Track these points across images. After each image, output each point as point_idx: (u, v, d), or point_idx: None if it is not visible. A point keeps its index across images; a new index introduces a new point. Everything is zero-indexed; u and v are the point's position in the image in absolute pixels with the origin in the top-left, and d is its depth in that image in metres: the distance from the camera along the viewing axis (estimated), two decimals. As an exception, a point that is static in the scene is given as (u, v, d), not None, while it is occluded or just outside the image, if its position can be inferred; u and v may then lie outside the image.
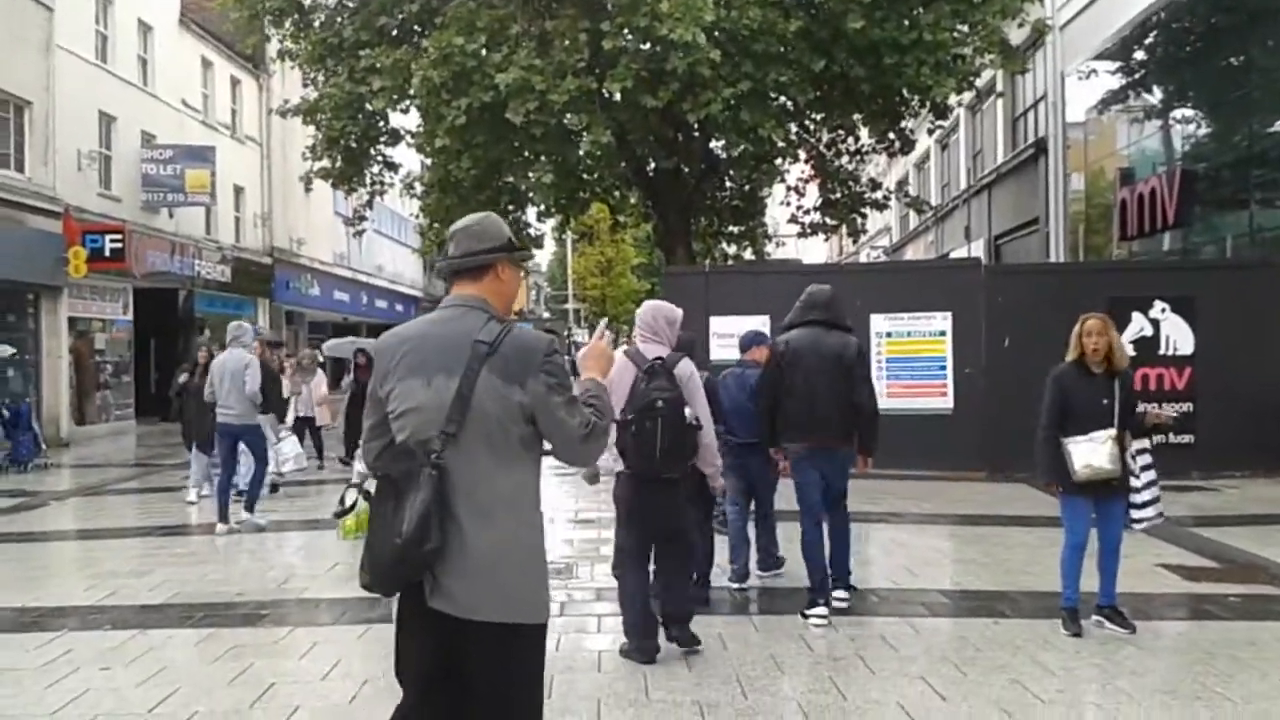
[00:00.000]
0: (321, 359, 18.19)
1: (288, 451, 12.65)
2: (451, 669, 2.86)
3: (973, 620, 6.26)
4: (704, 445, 5.60)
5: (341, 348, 20.52)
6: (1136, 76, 19.34)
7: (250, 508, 10.49)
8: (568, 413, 2.88)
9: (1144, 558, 7.98)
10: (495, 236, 3.07)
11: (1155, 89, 18.73)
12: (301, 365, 16.00)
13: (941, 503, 11.24)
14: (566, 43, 16.31)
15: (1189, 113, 17.55)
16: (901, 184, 27.76)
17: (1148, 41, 18.68)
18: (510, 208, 21.62)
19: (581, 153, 18.33)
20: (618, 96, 17.45)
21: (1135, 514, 6.11)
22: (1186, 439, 12.90)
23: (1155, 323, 13.08)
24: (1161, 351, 13.05)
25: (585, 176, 21.40)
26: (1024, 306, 13.31)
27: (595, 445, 2.96)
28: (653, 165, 19.65)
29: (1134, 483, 6.09)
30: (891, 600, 6.76)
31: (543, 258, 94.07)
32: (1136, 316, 13.10)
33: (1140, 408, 6.38)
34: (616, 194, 23.55)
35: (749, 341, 7.74)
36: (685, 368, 5.65)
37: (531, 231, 25.26)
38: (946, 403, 13.69)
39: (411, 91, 17.47)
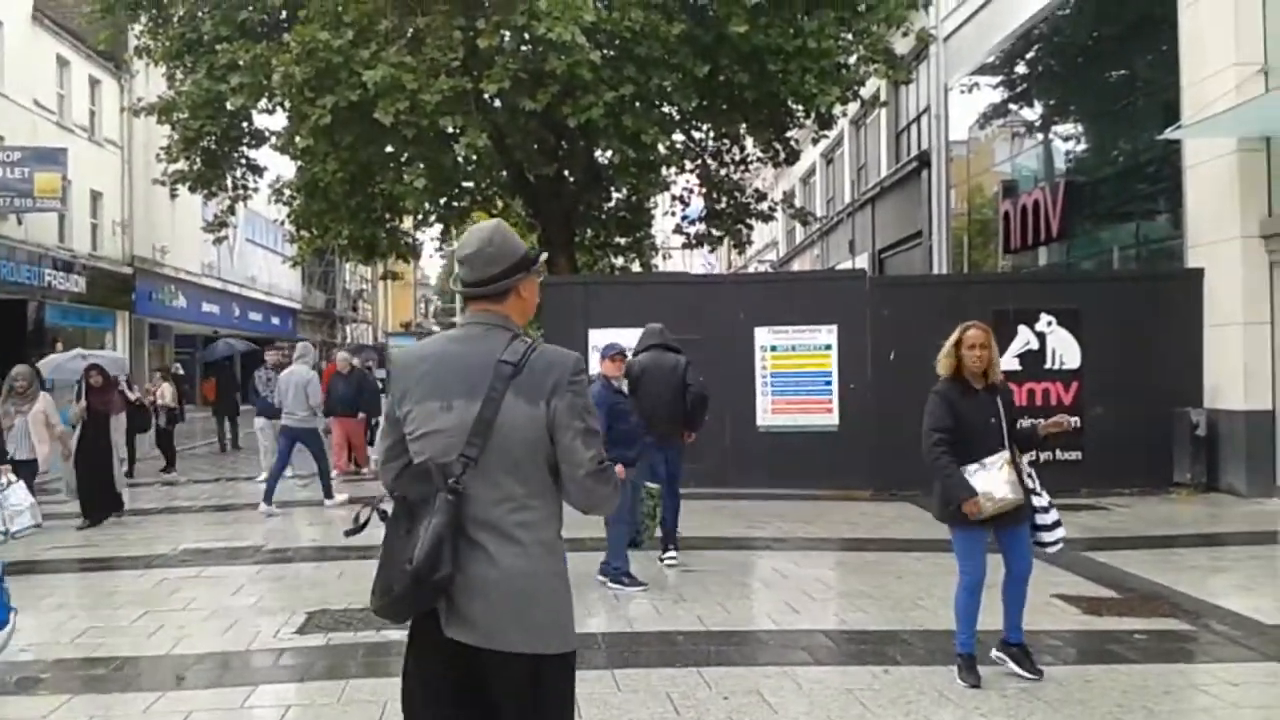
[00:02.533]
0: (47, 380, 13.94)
1: (16, 503, 9.48)
2: (471, 700, 2.74)
3: (860, 669, 5.64)
4: None
5: (63, 366, 16.03)
6: (1018, 90, 19.37)
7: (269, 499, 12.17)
8: (583, 441, 2.73)
9: (1040, 588, 7.45)
10: (512, 255, 2.89)
11: (1037, 102, 18.76)
12: (15, 389, 11.22)
13: (827, 525, 10.73)
14: (439, 41, 15.50)
15: (1072, 125, 17.56)
16: (788, 196, 27.54)
17: (1029, 55, 18.70)
18: (387, 215, 20.75)
19: (458, 157, 17.50)
20: (495, 99, 16.76)
21: (1044, 536, 5.53)
22: (1074, 455, 12.68)
23: (1041, 336, 12.84)
24: (1048, 365, 12.81)
25: (462, 182, 20.63)
26: (910, 319, 12.95)
27: (603, 486, 2.78)
28: (533, 172, 18.96)
29: (1036, 502, 5.52)
30: (772, 645, 6.11)
31: (431, 270, 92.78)
32: (1023, 329, 12.85)
33: (1025, 422, 5.95)
34: (499, 202, 22.83)
35: (605, 353, 8.25)
36: None
37: (409, 240, 24.35)
38: (832, 419, 13.26)
39: (273, 89, 16.48)
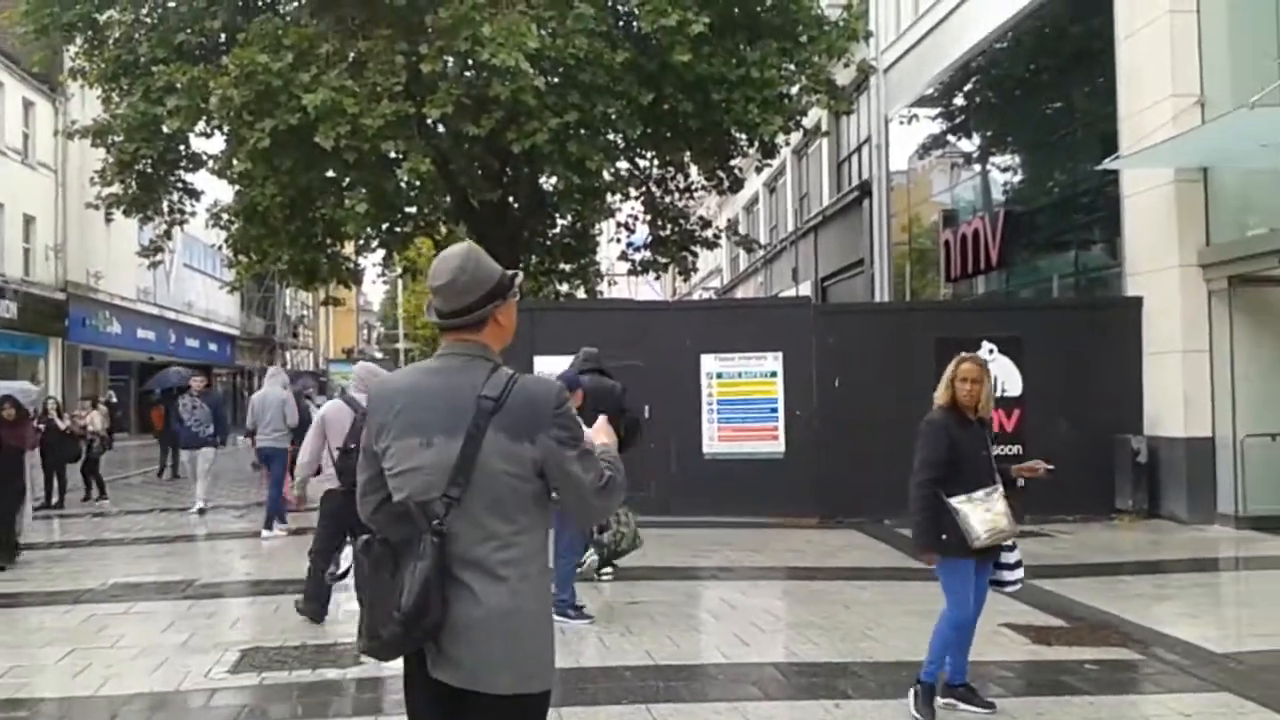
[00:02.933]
0: None
1: None
2: None
3: (812, 704, 5.54)
4: None
5: None
6: (958, 121, 19.63)
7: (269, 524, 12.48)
8: (582, 467, 2.72)
9: (988, 617, 7.40)
10: (486, 281, 2.80)
11: (976, 132, 19.02)
12: None
13: (774, 554, 10.64)
14: (382, 65, 15.34)
15: (1010, 156, 17.81)
16: (732, 224, 27.68)
17: (968, 87, 18.97)
18: (328, 240, 20.48)
19: (400, 182, 17.32)
20: (438, 124, 16.62)
21: (1005, 575, 5.44)
22: (1018, 482, 12.70)
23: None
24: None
25: (405, 207, 20.43)
26: (854, 347, 13.04)
27: (611, 500, 2.82)
28: (478, 198, 18.82)
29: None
30: (722, 680, 5.98)
31: (374, 296, 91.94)
32: (965, 358, 12.87)
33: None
34: (442, 228, 22.64)
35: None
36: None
37: (351, 266, 24.05)
38: (778, 446, 13.22)
39: (211, 112, 16.20)
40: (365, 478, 2.85)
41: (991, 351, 12.87)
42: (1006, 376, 12.88)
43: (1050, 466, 5.70)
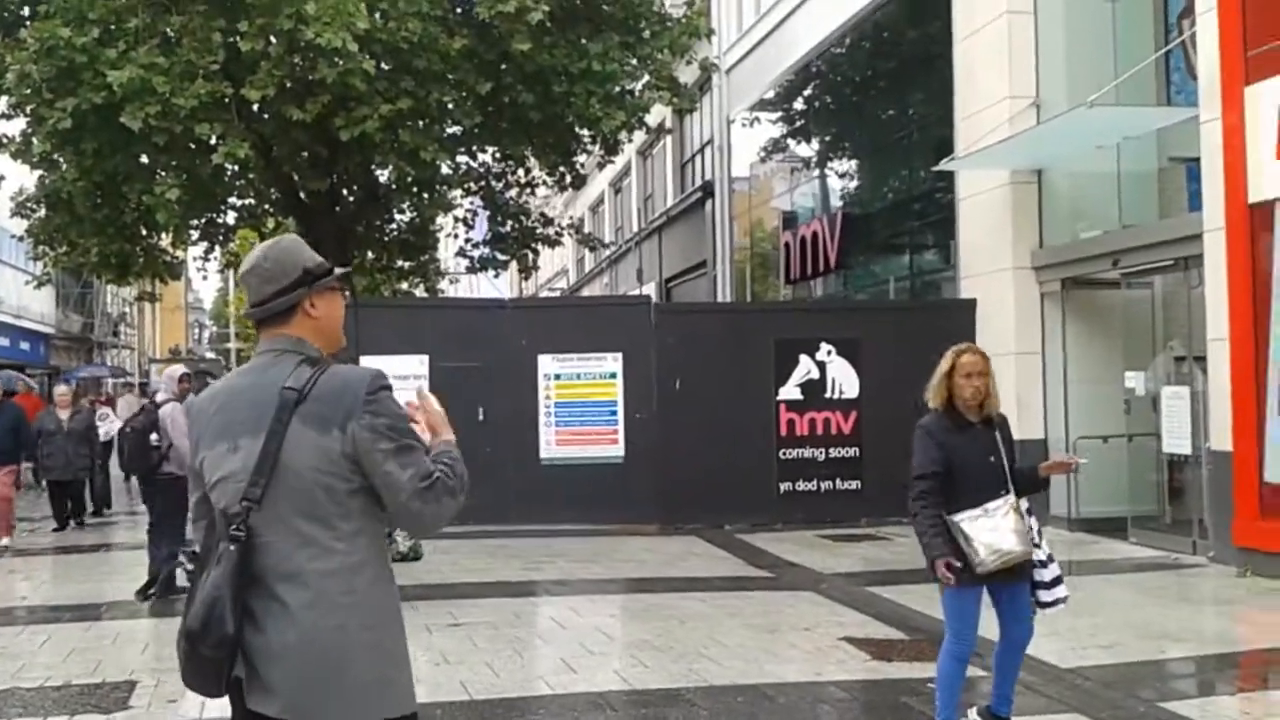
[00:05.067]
0: None
1: None
2: None
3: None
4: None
5: None
6: (797, 123, 19.68)
7: None
8: (398, 463, 2.40)
9: (826, 629, 7.20)
10: (290, 269, 2.58)
11: (815, 135, 19.08)
12: None
13: (612, 564, 10.20)
14: (196, 42, 14.30)
15: (849, 158, 17.89)
16: (575, 223, 27.25)
17: (807, 90, 19.01)
18: (143, 230, 19.13)
19: (216, 168, 16.22)
20: (260, 107, 15.64)
21: (1044, 595, 4.82)
22: (854, 484, 12.69)
23: (822, 365, 12.79)
24: (828, 395, 12.77)
25: (228, 197, 19.25)
26: (694, 347, 12.73)
27: (440, 505, 2.45)
28: (305, 188, 17.84)
29: (1038, 555, 4.77)
30: (546, 717, 5.43)
31: (207, 294, 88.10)
32: (803, 359, 12.78)
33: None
34: (270, 221, 21.49)
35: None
36: (166, 409, 8.60)
37: (168, 259, 22.60)
38: (618, 450, 12.79)
39: (6, 88, 14.89)
40: (195, 499, 2.62)
41: (830, 352, 12.77)
42: (844, 378, 12.78)
43: (1084, 460, 5.17)
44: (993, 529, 4.52)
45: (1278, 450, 8.69)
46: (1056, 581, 4.80)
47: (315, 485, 2.41)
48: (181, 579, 7.53)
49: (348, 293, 2.69)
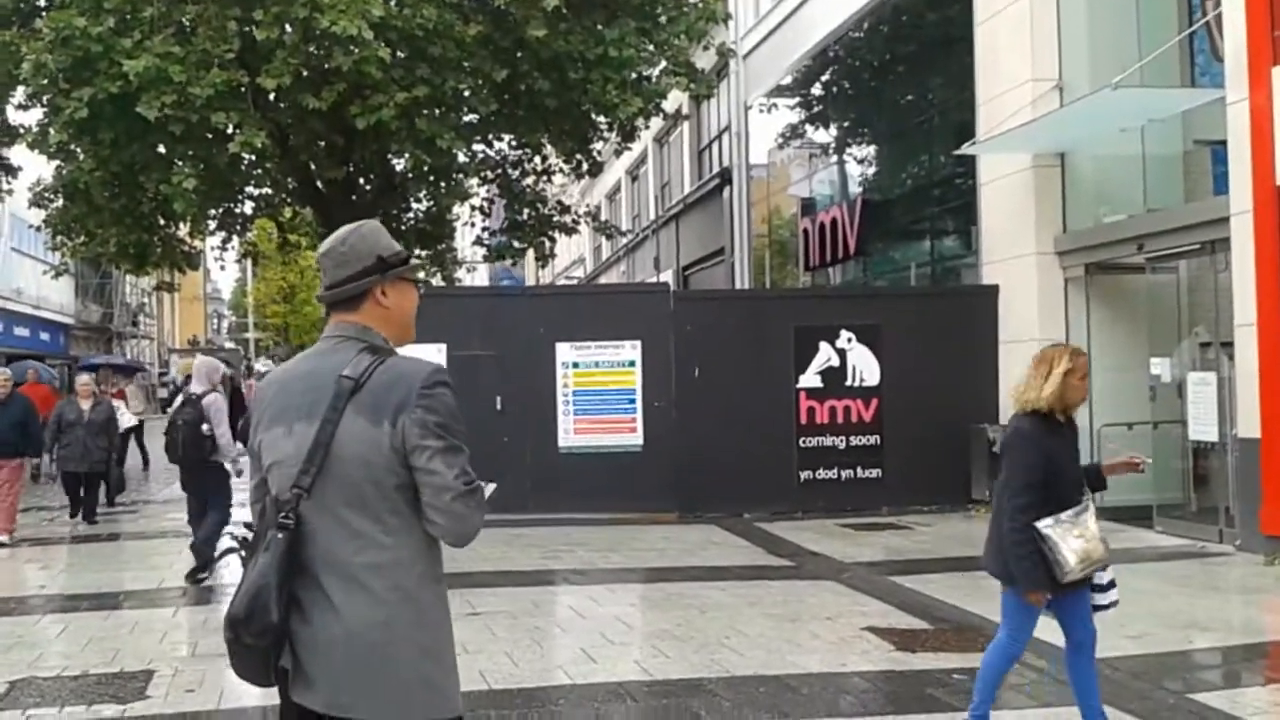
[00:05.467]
0: None
1: None
2: None
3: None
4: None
5: None
6: (816, 109, 19.52)
7: None
8: (444, 461, 2.35)
9: (849, 619, 7.11)
10: (364, 255, 2.54)
11: (834, 120, 18.92)
12: None
13: (631, 553, 10.12)
14: (212, 31, 14.27)
15: (868, 144, 17.73)
16: (592, 211, 27.19)
17: (825, 76, 18.85)
18: (160, 220, 19.14)
19: (233, 157, 16.19)
20: (276, 96, 15.60)
21: (1099, 598, 4.67)
22: (875, 473, 12.58)
23: (842, 353, 12.67)
24: (848, 382, 12.65)
25: (245, 187, 19.26)
26: (713, 335, 12.63)
27: (478, 512, 2.41)
28: (322, 177, 17.82)
29: None
30: (565, 707, 5.37)
31: (225, 284, 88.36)
32: (824, 346, 12.66)
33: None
34: (287, 210, 21.50)
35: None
36: (210, 399, 8.85)
37: (186, 249, 22.62)
38: (637, 439, 12.71)
39: (22, 79, 14.88)
40: (254, 483, 2.59)
41: (850, 340, 12.66)
42: (864, 365, 12.67)
43: (1148, 459, 4.96)
44: (1081, 536, 4.36)
45: (1308, 437, 8.55)
46: (1111, 584, 4.68)
47: (365, 478, 2.37)
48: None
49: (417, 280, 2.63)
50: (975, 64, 12.76)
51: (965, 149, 12.33)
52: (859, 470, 12.60)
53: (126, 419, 16.88)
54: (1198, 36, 10.79)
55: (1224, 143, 9.52)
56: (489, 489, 2.58)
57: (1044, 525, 4.33)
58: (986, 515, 11.57)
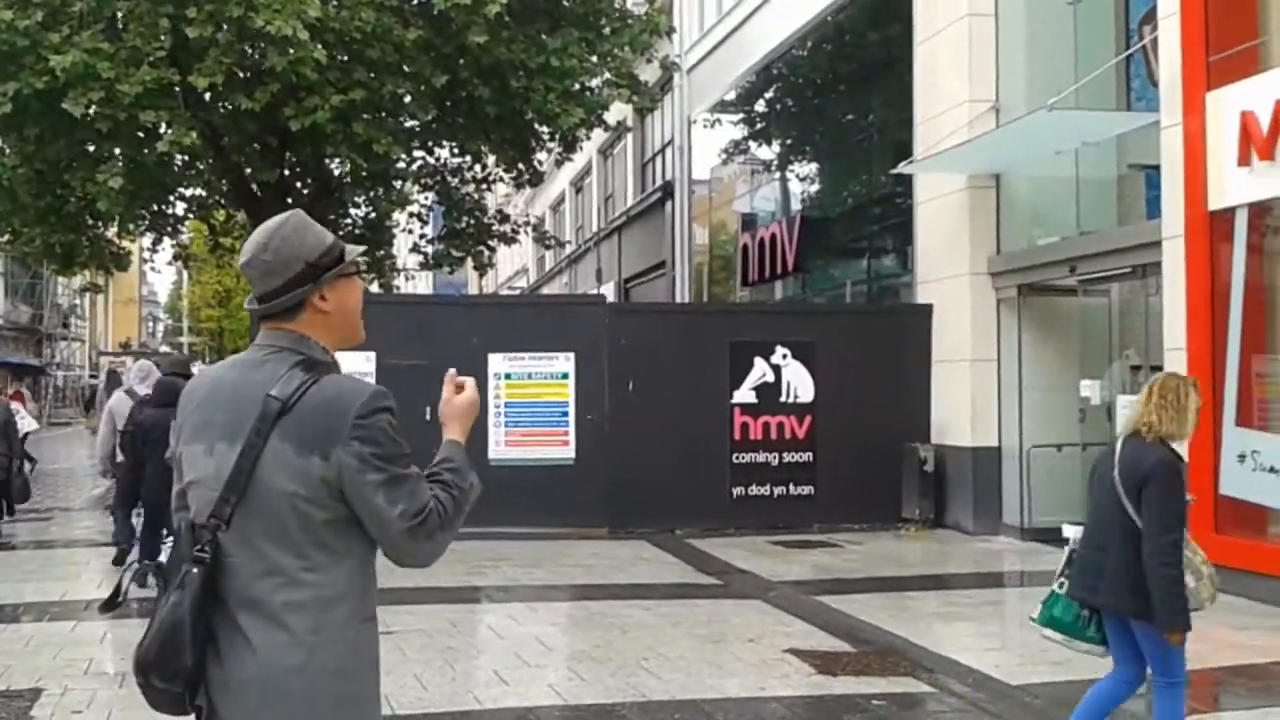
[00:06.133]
0: None
1: None
2: None
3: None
4: None
5: None
6: (758, 125, 19.54)
7: None
8: (387, 497, 2.14)
9: (771, 640, 6.98)
10: (295, 261, 2.26)
11: (777, 136, 18.94)
12: None
13: (557, 570, 9.94)
14: (143, 28, 13.94)
15: (809, 161, 17.76)
16: (532, 220, 27.01)
17: (768, 92, 18.87)
18: (89, 220, 18.68)
19: (163, 156, 15.83)
20: (209, 95, 15.29)
21: None
22: (807, 490, 12.50)
23: (777, 369, 12.60)
24: (783, 399, 12.57)
25: (177, 188, 18.85)
26: (648, 348, 12.49)
27: (428, 542, 2.20)
28: (256, 179, 17.48)
29: None
30: (471, 731, 5.20)
31: (162, 287, 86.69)
32: (759, 362, 12.57)
33: None
34: (219, 212, 21.10)
35: None
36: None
37: (115, 250, 22.09)
38: (568, 452, 12.51)
39: (-55, 74, 14.45)
40: (175, 492, 2.36)
41: (785, 356, 12.60)
42: (799, 381, 12.61)
43: (1193, 499, 4.80)
44: (1204, 564, 4.33)
45: (1234, 463, 8.59)
46: None
47: (289, 510, 2.16)
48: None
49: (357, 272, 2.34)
50: (914, 83, 12.79)
51: (902, 168, 12.34)
52: (791, 487, 12.52)
53: (27, 423, 16.38)
54: (1134, 61, 10.87)
55: (1157, 167, 9.58)
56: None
57: (1196, 557, 4.29)
58: (917, 535, 11.67)
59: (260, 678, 2.14)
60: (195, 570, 2.15)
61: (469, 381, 2.45)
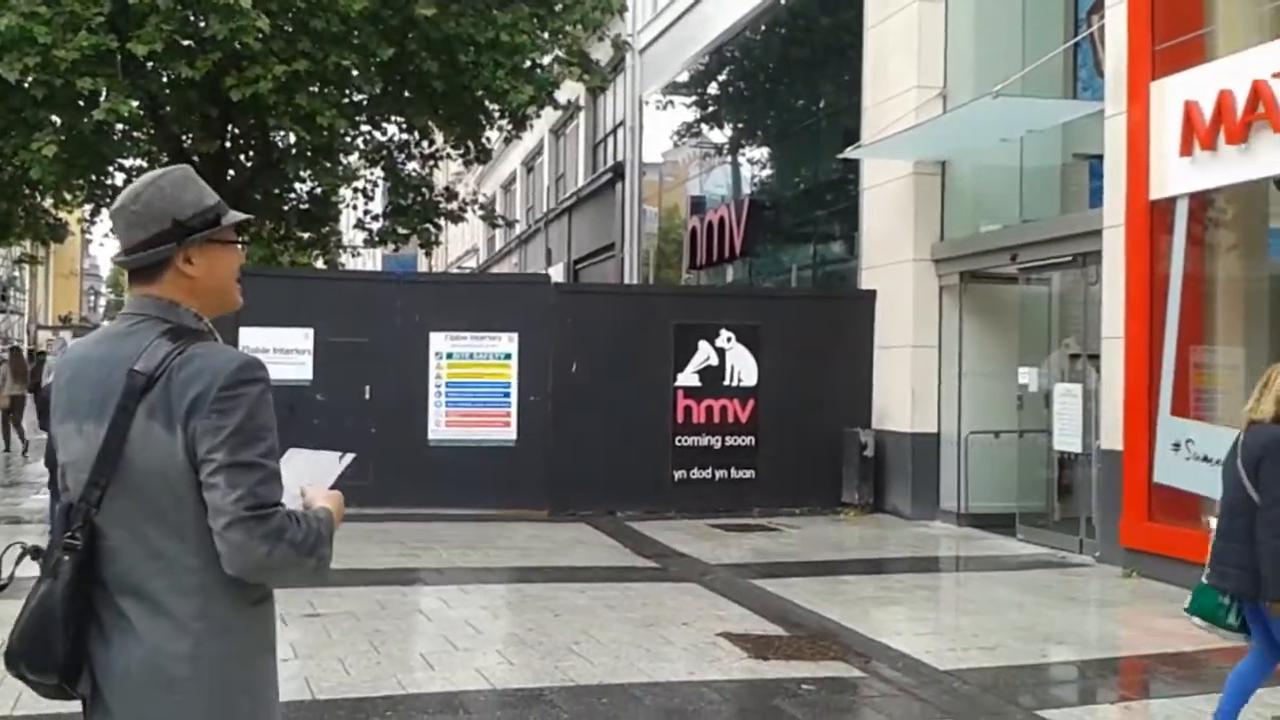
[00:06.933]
0: None
1: None
2: None
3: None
4: None
5: None
6: (709, 108, 19.45)
7: None
8: (227, 479, 1.96)
9: (705, 624, 6.93)
10: (159, 217, 2.11)
11: (728, 119, 18.86)
12: None
13: (494, 552, 9.82)
14: (81, -7, 13.55)
15: (759, 145, 17.70)
16: (479, 199, 26.72)
17: (721, 75, 18.78)
18: (25, 190, 18.22)
19: (101, 125, 15.41)
20: (149, 63, 14.91)
21: None
22: (748, 474, 12.49)
23: (721, 352, 12.56)
24: (726, 382, 12.54)
25: (116, 158, 18.41)
26: (593, 329, 12.40)
27: (266, 547, 1.98)
28: (196, 150, 17.09)
29: None
30: (394, 719, 5.06)
31: (103, 259, 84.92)
32: (703, 345, 12.52)
33: None
34: (159, 183, 20.60)
35: None
36: None
37: (51, 220, 21.57)
38: (510, 433, 12.39)
39: None
40: (54, 475, 2.23)
41: (730, 339, 12.55)
42: (743, 365, 12.58)
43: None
44: None
45: (1168, 451, 8.67)
46: None
47: (162, 490, 2.02)
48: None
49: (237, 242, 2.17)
50: (864, 69, 12.76)
51: (849, 153, 12.32)
52: (733, 471, 12.51)
53: None
54: (1081, 50, 10.91)
55: (1101, 157, 9.61)
56: (345, 460, 2.31)
57: None
58: (855, 519, 11.70)
59: (145, 665, 2.03)
60: (67, 558, 2.02)
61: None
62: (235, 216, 2.22)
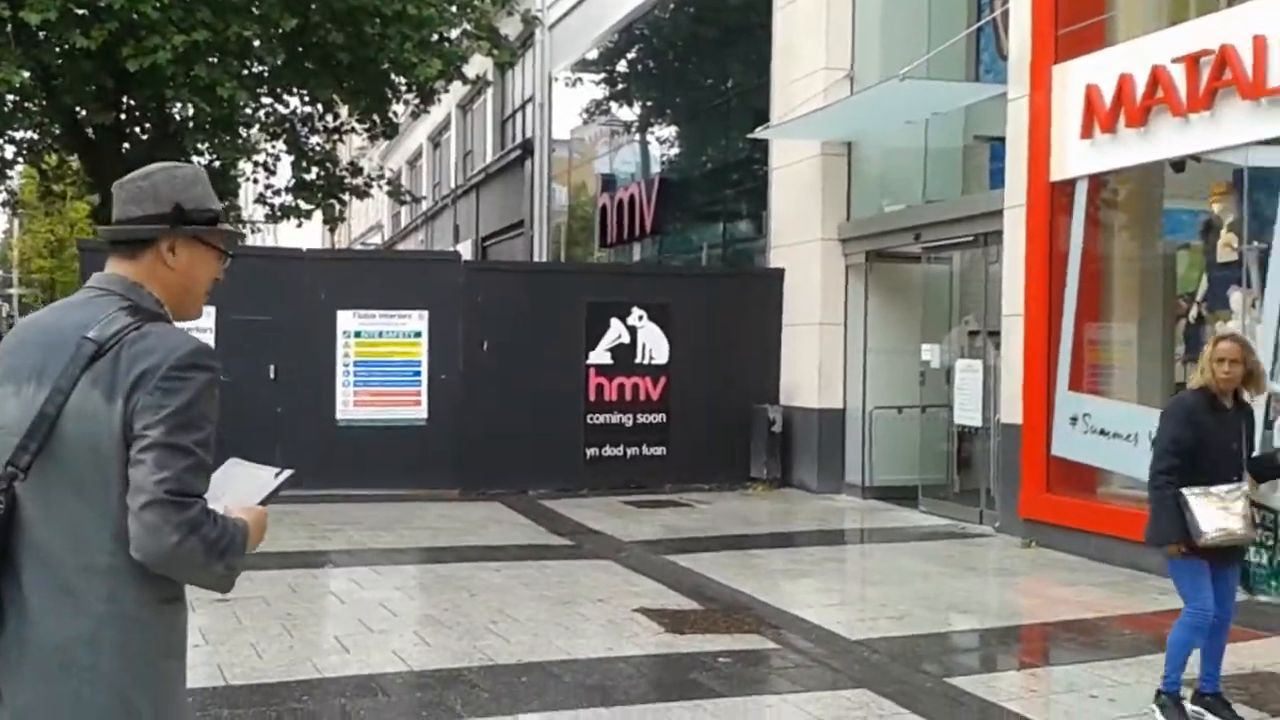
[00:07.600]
0: None
1: None
2: None
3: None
4: None
5: None
6: (619, 85, 19.42)
7: None
8: (156, 458, 1.90)
9: (621, 600, 7.00)
10: (163, 199, 2.12)
11: (638, 97, 18.88)
12: None
13: (406, 532, 9.76)
14: (-35, -40, 12.99)
15: (668, 123, 17.76)
16: (385, 173, 26.28)
17: (630, 53, 18.77)
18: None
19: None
20: (41, 31, 14.35)
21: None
22: (660, 450, 12.61)
23: (633, 330, 12.62)
24: (638, 360, 12.62)
25: (6, 129, 17.71)
26: (504, 307, 12.34)
27: (177, 536, 1.90)
28: (90, 122, 16.52)
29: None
30: (306, 703, 5.00)
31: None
32: (615, 323, 12.57)
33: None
34: (53, 157, 19.92)
35: None
36: None
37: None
38: (420, 412, 12.28)
39: None
40: None
41: (641, 317, 12.62)
42: (654, 343, 12.66)
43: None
44: (1224, 509, 4.69)
45: (1066, 425, 8.98)
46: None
47: (91, 464, 1.96)
48: None
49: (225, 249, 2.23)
50: (773, 49, 12.87)
51: (757, 133, 12.44)
52: (644, 448, 12.60)
53: None
54: (984, 34, 11.15)
55: (1002, 139, 9.86)
56: (282, 476, 2.24)
57: (1191, 493, 4.67)
58: (764, 494, 11.90)
59: (42, 645, 1.96)
60: None
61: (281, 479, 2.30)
62: (229, 228, 2.25)
